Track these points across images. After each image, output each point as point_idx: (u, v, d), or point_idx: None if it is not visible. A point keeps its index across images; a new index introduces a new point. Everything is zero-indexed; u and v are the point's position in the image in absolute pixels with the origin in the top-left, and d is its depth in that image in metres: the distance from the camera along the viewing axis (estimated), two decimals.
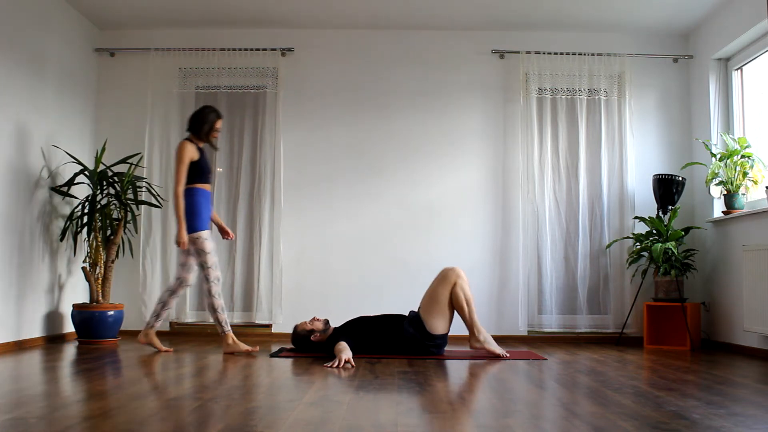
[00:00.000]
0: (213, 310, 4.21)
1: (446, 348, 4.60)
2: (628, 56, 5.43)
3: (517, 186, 5.41)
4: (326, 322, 4.25)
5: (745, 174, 4.77)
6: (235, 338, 4.25)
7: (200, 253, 4.18)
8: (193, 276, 4.33)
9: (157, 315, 4.32)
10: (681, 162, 5.39)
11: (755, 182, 4.76)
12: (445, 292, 4.15)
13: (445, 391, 2.95)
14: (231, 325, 5.31)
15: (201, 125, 4.29)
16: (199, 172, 4.26)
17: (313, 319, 4.26)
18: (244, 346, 4.21)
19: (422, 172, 5.48)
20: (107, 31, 5.61)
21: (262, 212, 5.38)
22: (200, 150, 4.31)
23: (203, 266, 4.18)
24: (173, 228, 5.35)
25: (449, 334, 4.24)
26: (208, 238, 4.21)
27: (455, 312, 4.21)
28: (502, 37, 5.55)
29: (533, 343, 5.11)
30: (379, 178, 5.47)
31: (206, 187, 4.31)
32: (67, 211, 4.98)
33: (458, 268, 4.22)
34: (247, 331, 5.37)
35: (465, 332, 5.31)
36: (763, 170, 4.74)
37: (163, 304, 4.30)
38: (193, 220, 4.18)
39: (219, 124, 4.36)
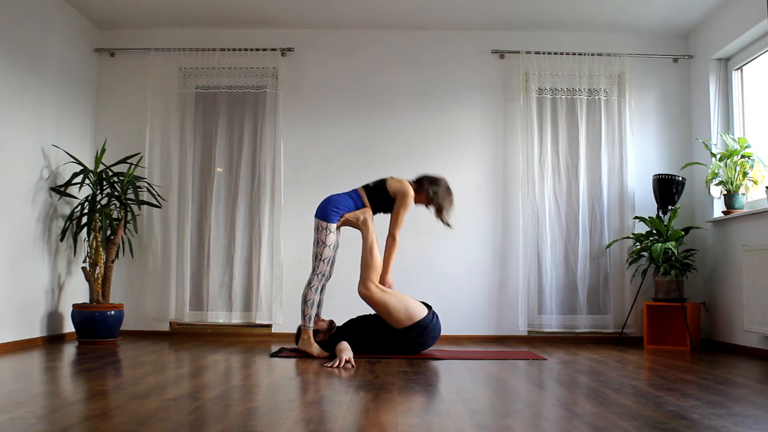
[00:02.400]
0: (303, 300, 4.15)
1: (446, 348, 4.60)
2: (628, 56, 5.43)
3: (517, 186, 5.41)
4: (330, 322, 4.25)
5: (745, 174, 4.77)
6: (312, 337, 4.14)
7: (319, 243, 4.14)
8: (330, 267, 4.24)
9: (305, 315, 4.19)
10: (681, 162, 5.40)
11: (755, 182, 4.76)
12: (376, 309, 4.16)
13: (445, 391, 2.95)
14: (230, 326, 5.35)
15: (438, 202, 4.23)
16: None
17: (318, 319, 4.26)
18: (317, 349, 4.10)
19: (422, 172, 5.46)
20: (107, 31, 5.61)
21: (262, 212, 5.38)
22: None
23: (315, 256, 4.14)
24: (173, 228, 5.36)
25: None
26: (334, 231, 4.15)
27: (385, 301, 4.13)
28: (502, 37, 5.55)
29: (533, 343, 5.11)
30: (378, 178, 5.45)
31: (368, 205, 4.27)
32: (67, 211, 4.98)
33: (363, 289, 4.14)
34: (246, 331, 5.37)
35: (463, 332, 5.34)
36: (763, 170, 4.74)
37: (311, 303, 4.18)
38: (332, 213, 4.14)
39: (449, 209, 4.27)
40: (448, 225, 4.33)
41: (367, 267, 4.15)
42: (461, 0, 5.03)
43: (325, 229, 4.13)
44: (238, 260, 5.37)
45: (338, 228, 4.22)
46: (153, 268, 5.35)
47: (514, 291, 5.35)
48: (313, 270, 4.15)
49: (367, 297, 4.12)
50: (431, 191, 4.25)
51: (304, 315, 4.15)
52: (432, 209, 4.32)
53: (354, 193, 4.27)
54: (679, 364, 3.91)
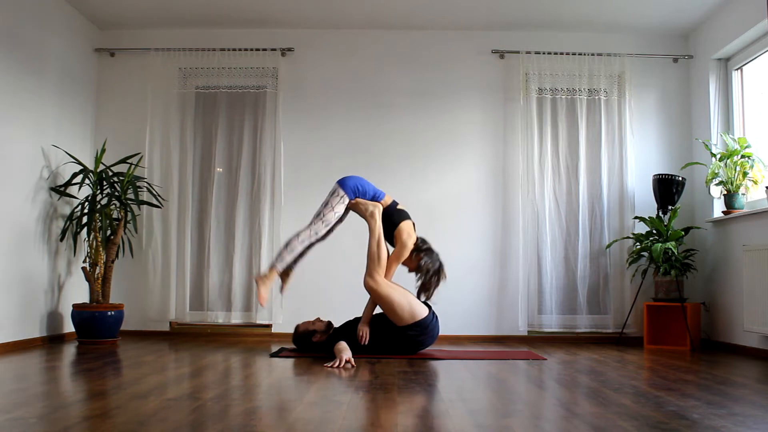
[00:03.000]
0: (285, 244, 4.15)
1: (446, 348, 4.60)
2: (628, 56, 5.43)
3: (517, 186, 5.41)
4: (329, 324, 4.25)
5: (745, 174, 4.77)
6: (272, 278, 4.09)
7: (327, 204, 4.16)
8: (326, 231, 4.21)
9: (281, 258, 4.12)
10: (681, 162, 5.40)
11: (755, 182, 4.76)
12: (380, 302, 4.14)
13: (445, 391, 2.95)
14: (230, 326, 5.34)
15: (428, 281, 4.21)
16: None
17: (317, 319, 4.26)
18: (266, 290, 4.06)
19: (422, 172, 5.48)
20: (107, 31, 5.61)
21: (262, 212, 5.38)
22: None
23: (318, 215, 4.16)
24: (173, 228, 5.36)
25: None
26: (345, 203, 4.18)
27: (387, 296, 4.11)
28: (502, 37, 5.55)
29: (533, 343, 5.11)
30: (378, 178, 5.43)
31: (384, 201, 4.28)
32: (67, 211, 4.98)
33: (370, 281, 4.12)
34: (246, 331, 5.37)
35: (463, 332, 5.34)
36: (763, 170, 4.74)
37: (290, 248, 4.15)
38: (352, 189, 4.18)
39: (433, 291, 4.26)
40: (427, 299, 4.27)
41: (374, 259, 4.13)
42: (461, 0, 5.04)
43: (340, 197, 4.16)
44: (238, 260, 5.37)
45: (349, 208, 4.24)
46: (153, 268, 5.35)
47: (514, 291, 5.35)
48: (309, 224, 4.14)
49: (372, 290, 4.11)
50: (423, 261, 4.23)
51: (278, 255, 4.13)
52: (418, 280, 4.26)
53: (380, 192, 4.30)
54: (679, 364, 3.91)
